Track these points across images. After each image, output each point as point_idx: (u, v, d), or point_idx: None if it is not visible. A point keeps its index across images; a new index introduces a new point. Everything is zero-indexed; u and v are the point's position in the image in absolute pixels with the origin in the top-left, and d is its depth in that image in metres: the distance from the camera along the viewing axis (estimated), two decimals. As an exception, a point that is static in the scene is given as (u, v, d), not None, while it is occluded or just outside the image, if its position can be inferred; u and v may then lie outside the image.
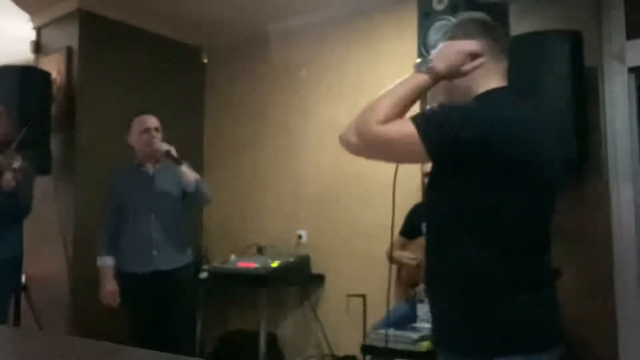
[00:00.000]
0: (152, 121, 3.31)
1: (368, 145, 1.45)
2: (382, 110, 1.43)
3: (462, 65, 1.49)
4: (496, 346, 1.39)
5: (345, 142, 1.50)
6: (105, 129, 4.01)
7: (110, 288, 3.19)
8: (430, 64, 1.48)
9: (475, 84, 1.51)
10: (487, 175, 1.40)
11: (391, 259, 2.92)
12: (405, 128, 1.39)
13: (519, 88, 1.58)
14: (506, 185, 1.40)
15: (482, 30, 1.53)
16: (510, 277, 1.42)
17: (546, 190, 1.49)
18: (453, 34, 1.55)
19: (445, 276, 1.49)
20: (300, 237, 4.26)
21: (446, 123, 1.40)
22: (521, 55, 2.87)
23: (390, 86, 1.48)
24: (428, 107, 1.61)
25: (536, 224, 1.48)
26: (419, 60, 1.48)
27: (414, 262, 3.05)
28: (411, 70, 1.52)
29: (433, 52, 1.54)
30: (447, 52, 1.50)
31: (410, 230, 3.19)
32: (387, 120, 1.42)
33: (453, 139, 1.38)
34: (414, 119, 1.40)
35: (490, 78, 1.51)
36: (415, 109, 1.50)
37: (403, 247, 3.24)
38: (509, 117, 1.42)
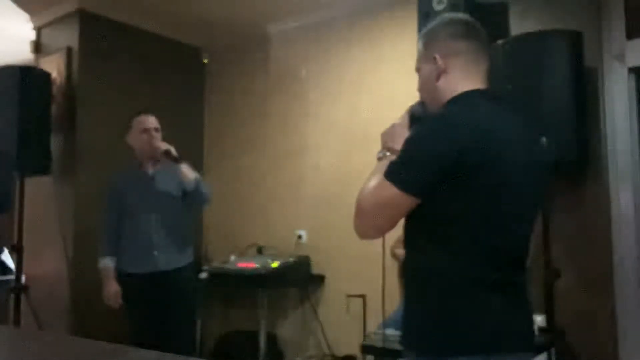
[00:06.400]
0: (152, 121, 3.32)
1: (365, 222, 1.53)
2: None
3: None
4: (456, 346, 1.39)
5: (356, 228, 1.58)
6: (105, 129, 4.01)
7: (112, 289, 3.19)
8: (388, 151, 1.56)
9: (454, 85, 1.52)
10: (455, 185, 1.39)
11: (393, 254, 2.95)
12: (384, 192, 1.42)
13: (517, 90, 1.58)
14: (472, 194, 1.40)
15: (466, 32, 1.55)
16: (476, 281, 1.41)
17: (518, 197, 1.45)
18: (436, 35, 1.56)
19: (411, 280, 1.55)
20: (300, 237, 4.25)
21: (415, 164, 1.42)
22: (521, 55, 2.89)
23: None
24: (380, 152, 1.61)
25: (505, 231, 1.44)
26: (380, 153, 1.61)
27: None
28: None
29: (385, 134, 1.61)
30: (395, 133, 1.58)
31: None
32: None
33: (429, 177, 1.39)
34: (387, 176, 1.42)
35: (469, 79, 1.52)
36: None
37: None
38: (476, 126, 1.40)
